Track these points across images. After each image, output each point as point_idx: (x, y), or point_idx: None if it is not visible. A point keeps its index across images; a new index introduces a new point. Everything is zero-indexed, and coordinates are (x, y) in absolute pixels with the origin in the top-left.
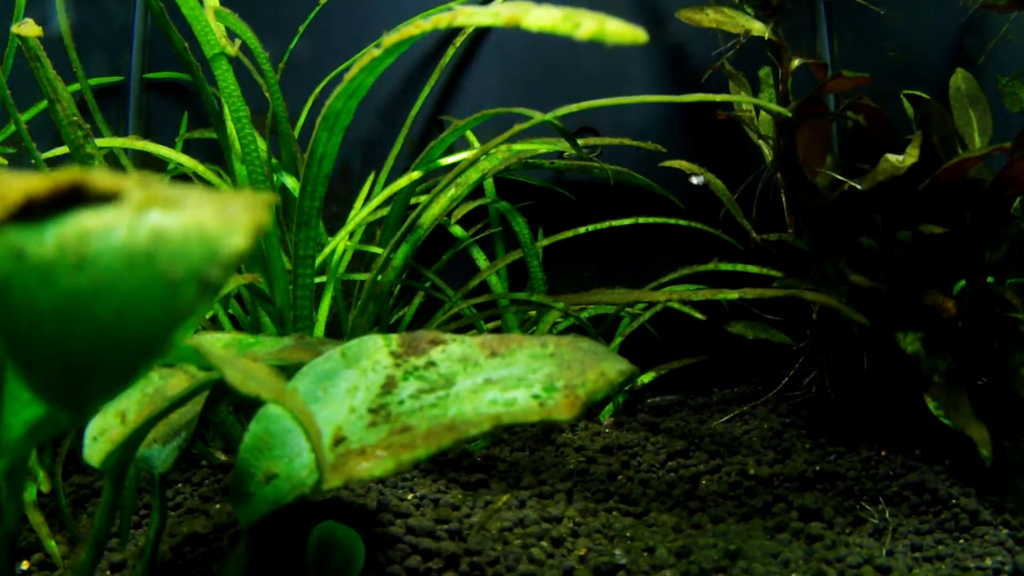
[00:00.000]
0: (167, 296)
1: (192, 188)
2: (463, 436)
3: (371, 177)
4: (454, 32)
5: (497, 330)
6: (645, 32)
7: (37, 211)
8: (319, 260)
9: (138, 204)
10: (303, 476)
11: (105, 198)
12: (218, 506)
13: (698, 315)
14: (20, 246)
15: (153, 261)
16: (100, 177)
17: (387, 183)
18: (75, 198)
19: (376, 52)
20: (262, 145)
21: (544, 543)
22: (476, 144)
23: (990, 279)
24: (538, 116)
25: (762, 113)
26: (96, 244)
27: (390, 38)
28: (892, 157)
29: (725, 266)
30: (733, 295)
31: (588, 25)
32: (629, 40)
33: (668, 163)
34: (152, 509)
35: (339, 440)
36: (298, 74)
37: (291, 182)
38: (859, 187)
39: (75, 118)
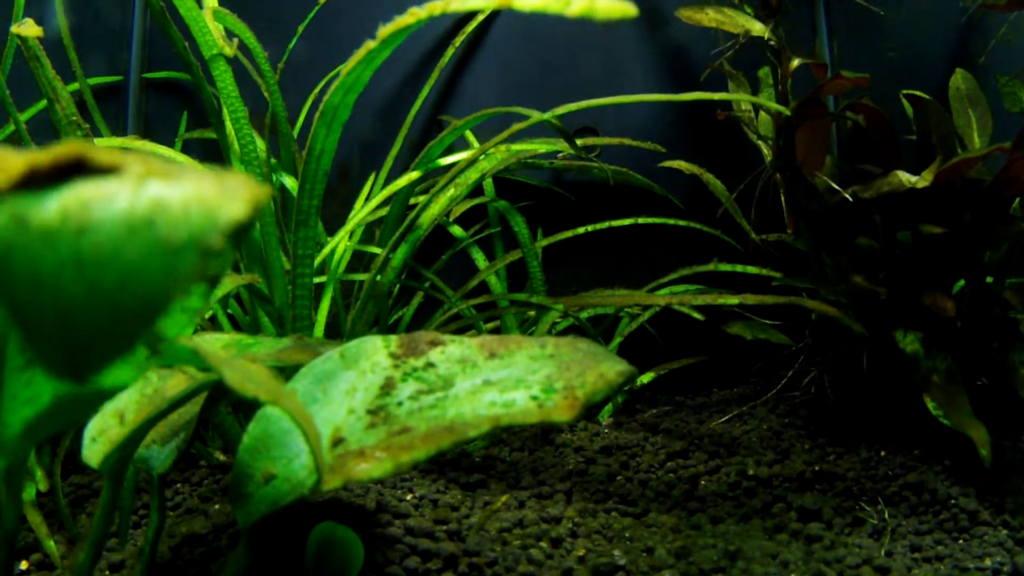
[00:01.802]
0: (168, 262)
1: (189, 166)
2: (462, 437)
3: (371, 177)
4: (453, 31)
5: (496, 330)
6: (634, 7)
7: (39, 182)
8: (318, 260)
9: (139, 176)
10: (302, 477)
11: (106, 171)
12: (217, 506)
13: (697, 315)
14: (23, 214)
15: (154, 228)
16: (101, 151)
17: (386, 183)
18: (76, 171)
19: (372, 44)
20: (261, 145)
21: (543, 544)
22: (475, 144)
23: (989, 279)
24: (537, 116)
25: (761, 113)
26: (98, 212)
27: (385, 29)
28: (903, 175)
29: (724, 266)
30: (734, 300)
31: (578, 3)
32: (619, 15)
33: (667, 163)
34: (151, 509)
35: (338, 441)
36: (297, 74)
37: (290, 182)
38: (850, 199)
39: (74, 118)
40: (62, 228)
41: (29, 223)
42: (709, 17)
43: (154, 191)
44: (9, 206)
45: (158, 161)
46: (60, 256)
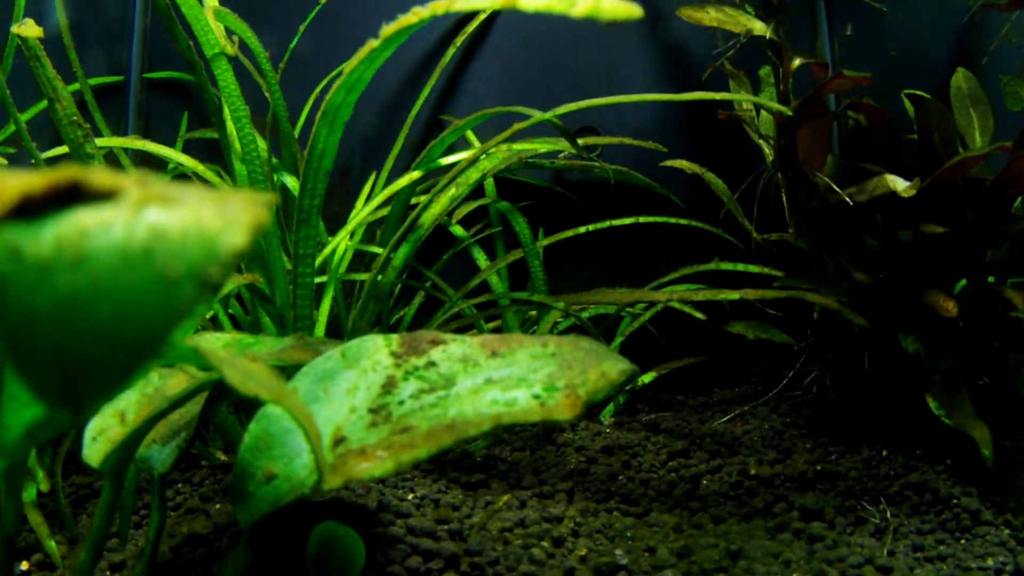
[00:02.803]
0: (166, 294)
1: (190, 186)
2: (463, 436)
3: (372, 177)
4: (455, 31)
5: (498, 330)
6: (639, 8)
7: (34, 209)
8: (319, 260)
9: (136, 202)
10: (303, 476)
11: (103, 196)
12: (218, 506)
13: (699, 315)
14: (17, 244)
15: (151, 259)
16: (98, 175)
17: (387, 183)
18: (72, 196)
19: (375, 43)
20: (262, 144)
21: (545, 543)
22: (476, 143)
23: (991, 278)
24: (538, 115)
25: (763, 112)
26: (94, 242)
27: (388, 28)
28: (890, 179)
29: (726, 266)
30: (734, 295)
31: (583, 3)
32: (624, 16)
33: (669, 163)
34: (152, 509)
35: (339, 440)
36: (299, 72)
37: (291, 181)
38: (849, 202)
39: (75, 118)
40: (57, 259)
41: (23, 254)
42: (710, 16)
43: (152, 218)
44: (3, 236)
45: (157, 183)
46: (55, 288)
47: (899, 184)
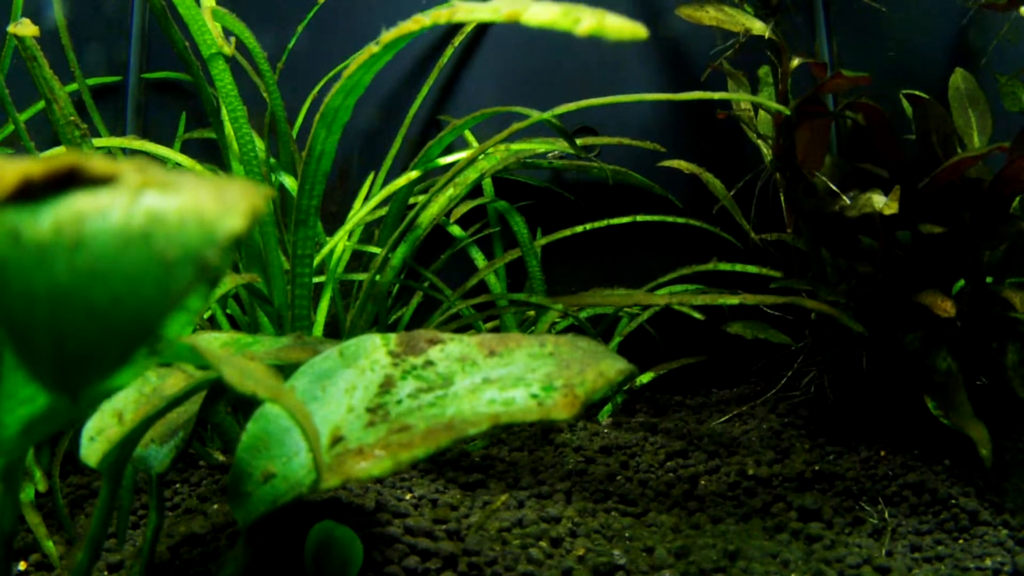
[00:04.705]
0: (163, 277)
1: (188, 173)
2: (461, 435)
3: (370, 177)
4: (453, 31)
5: (495, 330)
6: (644, 28)
7: (33, 194)
8: (317, 260)
9: (134, 187)
10: (301, 476)
11: (101, 181)
12: (216, 506)
13: (697, 315)
14: (16, 228)
15: (149, 242)
16: (96, 161)
17: (385, 183)
18: (71, 181)
19: (374, 48)
20: (260, 145)
21: (543, 543)
22: (474, 143)
23: (989, 279)
24: (536, 115)
25: (761, 112)
26: (92, 225)
27: (388, 34)
28: (877, 200)
29: (724, 266)
30: (733, 300)
31: (588, 21)
32: (628, 36)
33: (667, 163)
34: (150, 509)
35: (337, 440)
36: (297, 72)
37: (289, 181)
38: (846, 200)
39: (72, 118)
40: (56, 242)
41: (23, 237)
42: (709, 15)
43: (150, 203)
44: (2, 220)
45: (155, 169)
46: (54, 271)
47: (881, 202)
